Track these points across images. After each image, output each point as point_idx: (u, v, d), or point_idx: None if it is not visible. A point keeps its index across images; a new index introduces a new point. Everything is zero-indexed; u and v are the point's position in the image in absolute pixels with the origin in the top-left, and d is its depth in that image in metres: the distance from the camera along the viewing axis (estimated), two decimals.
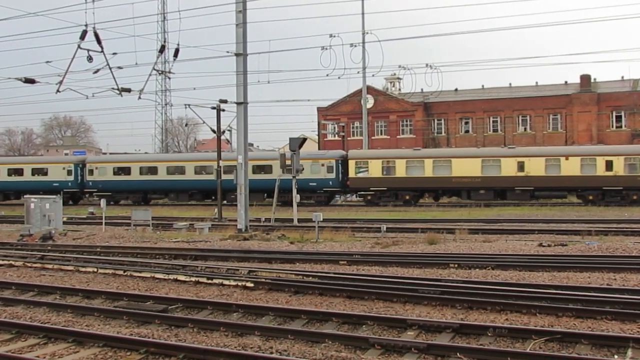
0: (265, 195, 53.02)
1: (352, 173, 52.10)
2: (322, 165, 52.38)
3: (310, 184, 51.71)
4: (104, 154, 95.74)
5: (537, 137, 69.38)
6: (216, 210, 40.57)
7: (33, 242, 27.66)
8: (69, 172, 58.94)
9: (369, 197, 52.01)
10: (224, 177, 41.00)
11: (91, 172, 58.81)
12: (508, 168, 48.53)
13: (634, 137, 65.05)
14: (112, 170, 58.17)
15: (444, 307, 12.97)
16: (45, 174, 59.77)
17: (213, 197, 54.52)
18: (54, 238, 28.50)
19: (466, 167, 49.32)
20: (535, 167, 48.13)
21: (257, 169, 52.58)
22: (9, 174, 60.85)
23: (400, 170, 50.89)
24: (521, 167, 48.34)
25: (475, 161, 49.40)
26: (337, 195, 57.07)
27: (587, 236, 24.85)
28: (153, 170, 56.59)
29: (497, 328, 10.85)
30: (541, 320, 11.73)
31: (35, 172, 60.31)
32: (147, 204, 56.24)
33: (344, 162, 53.08)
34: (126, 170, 57.95)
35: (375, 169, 51.42)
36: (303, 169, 48.03)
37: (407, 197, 50.83)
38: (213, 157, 55.02)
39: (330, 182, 52.37)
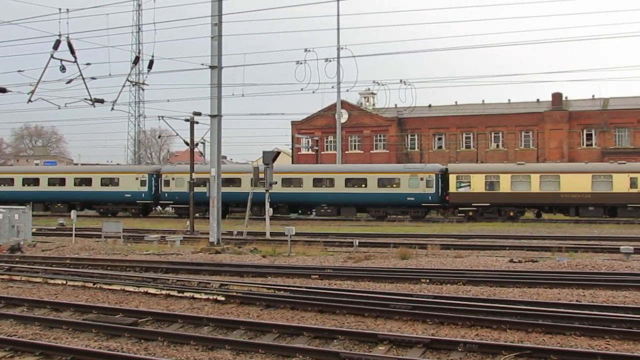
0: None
1: (452, 188, 49.65)
2: (421, 179, 49.86)
3: (408, 198, 49.76)
4: (75, 164, 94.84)
5: (509, 154, 69.99)
6: (188, 222, 40.37)
7: (1, 253, 27.30)
8: (143, 183, 56.40)
9: (470, 213, 49.67)
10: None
11: (167, 183, 55.94)
12: (620, 184, 46.94)
13: (604, 155, 65.87)
14: None
15: (415, 322, 13.00)
16: (117, 184, 57.27)
17: (300, 211, 53.28)
18: (22, 249, 28.15)
19: (575, 182, 47.56)
20: None
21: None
22: (76, 184, 58.43)
23: (505, 185, 48.84)
24: (634, 183, 46.89)
25: (585, 177, 47.68)
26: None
27: (558, 252, 25.04)
28: (236, 183, 53.30)
29: (468, 343, 10.89)
30: (511, 336, 11.80)
31: (105, 182, 57.77)
32: (224, 218, 54.01)
33: (443, 176, 50.71)
34: (205, 182, 55.21)
35: (477, 184, 49.23)
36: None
37: (512, 214, 48.84)
38: (301, 170, 54.47)
39: (430, 197, 49.77)
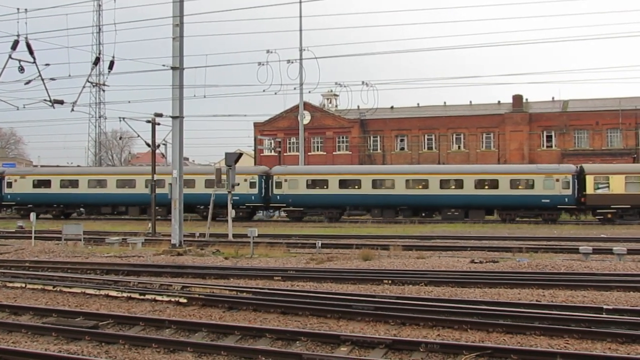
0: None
1: (589, 189, 47.63)
2: (557, 180, 48.14)
3: (543, 200, 48.11)
4: (35, 166, 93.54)
5: (470, 156, 70.71)
6: (150, 225, 40.06)
7: None
8: (252, 185, 53.21)
9: (609, 215, 47.40)
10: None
11: (279, 184, 52.95)
12: None
13: (564, 156, 66.82)
14: (305, 183, 52.71)
15: (378, 323, 13.05)
16: (223, 186, 54.79)
17: (423, 214, 51.29)
18: None
19: None
20: None
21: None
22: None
23: None
24: None
25: None
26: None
27: (518, 253, 25.34)
28: (355, 184, 51.67)
29: (429, 344, 10.96)
30: (472, 336, 11.91)
31: (209, 184, 52.29)
32: (338, 221, 51.70)
33: (578, 176, 48.62)
34: (321, 183, 52.63)
35: (617, 185, 47.34)
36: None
37: None
38: (427, 170, 52.95)
39: (566, 199, 47.90)
